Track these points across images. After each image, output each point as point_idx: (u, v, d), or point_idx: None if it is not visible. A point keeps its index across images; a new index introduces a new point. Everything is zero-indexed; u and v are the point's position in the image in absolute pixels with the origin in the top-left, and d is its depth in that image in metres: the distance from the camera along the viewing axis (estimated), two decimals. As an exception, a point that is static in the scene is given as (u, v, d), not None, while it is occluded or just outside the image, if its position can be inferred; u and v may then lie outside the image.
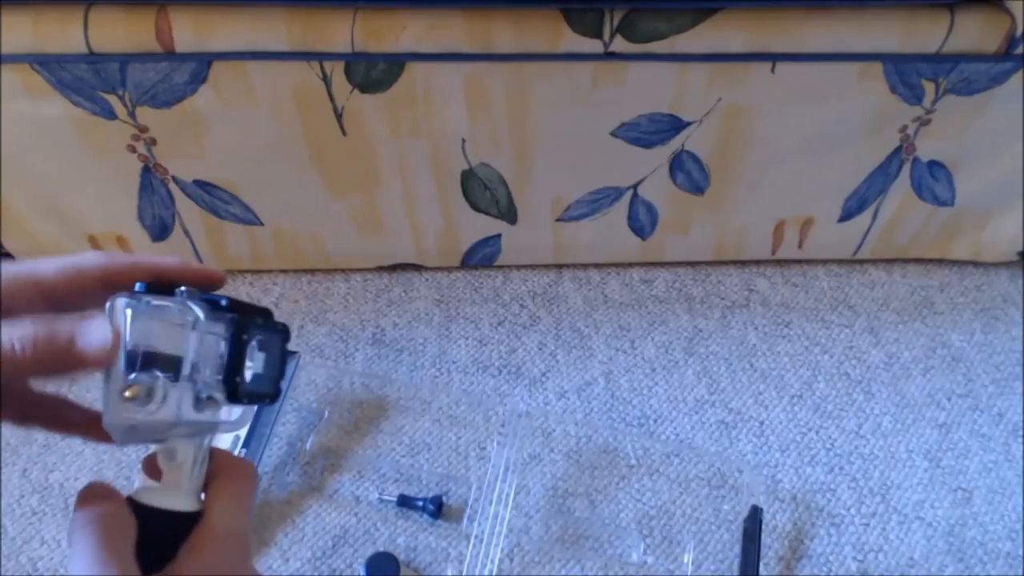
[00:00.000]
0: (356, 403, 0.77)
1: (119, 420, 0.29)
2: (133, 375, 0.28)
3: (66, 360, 0.28)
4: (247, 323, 0.31)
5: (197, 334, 0.30)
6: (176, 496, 0.30)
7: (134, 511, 0.29)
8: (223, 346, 0.30)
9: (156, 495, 0.30)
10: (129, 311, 0.29)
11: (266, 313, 0.33)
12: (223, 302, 0.30)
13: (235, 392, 0.31)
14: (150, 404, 0.29)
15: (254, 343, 0.31)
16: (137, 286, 0.30)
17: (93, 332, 0.28)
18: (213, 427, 0.31)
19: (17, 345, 0.28)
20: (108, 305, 0.29)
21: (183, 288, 0.30)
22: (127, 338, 0.28)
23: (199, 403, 0.30)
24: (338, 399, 0.78)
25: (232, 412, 0.31)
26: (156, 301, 0.29)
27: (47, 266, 0.30)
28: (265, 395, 0.32)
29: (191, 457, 0.30)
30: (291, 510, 0.70)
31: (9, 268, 0.30)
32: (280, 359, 0.33)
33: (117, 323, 0.28)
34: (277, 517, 0.69)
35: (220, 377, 0.30)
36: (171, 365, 0.29)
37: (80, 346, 0.28)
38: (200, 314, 0.30)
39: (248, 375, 0.31)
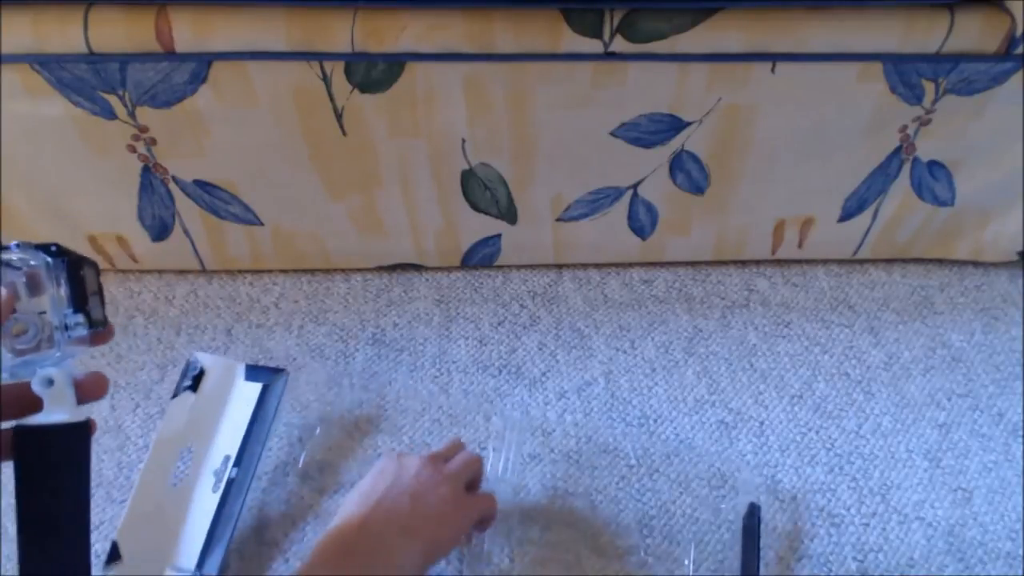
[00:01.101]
0: (355, 404, 0.77)
1: (11, 357, 0.35)
2: (14, 315, 0.35)
3: None
4: (79, 262, 0.38)
5: (48, 276, 0.36)
6: (63, 413, 0.37)
7: (24, 438, 0.36)
8: (64, 283, 0.37)
9: (45, 417, 0.36)
10: None
11: (80, 255, 0.40)
12: (52, 248, 0.37)
13: (90, 318, 0.38)
14: (31, 338, 0.36)
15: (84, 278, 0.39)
16: None
17: None
18: (75, 351, 0.39)
19: None
20: None
21: (16, 242, 0.36)
22: None
23: (66, 332, 0.37)
24: (335, 406, 0.78)
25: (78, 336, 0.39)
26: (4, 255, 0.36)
27: None
28: (103, 320, 0.41)
29: (65, 379, 0.37)
30: (292, 514, 0.70)
31: None
32: (99, 289, 0.41)
33: None
34: (278, 518, 0.69)
35: (73, 309, 0.37)
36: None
37: None
38: (47, 259, 0.36)
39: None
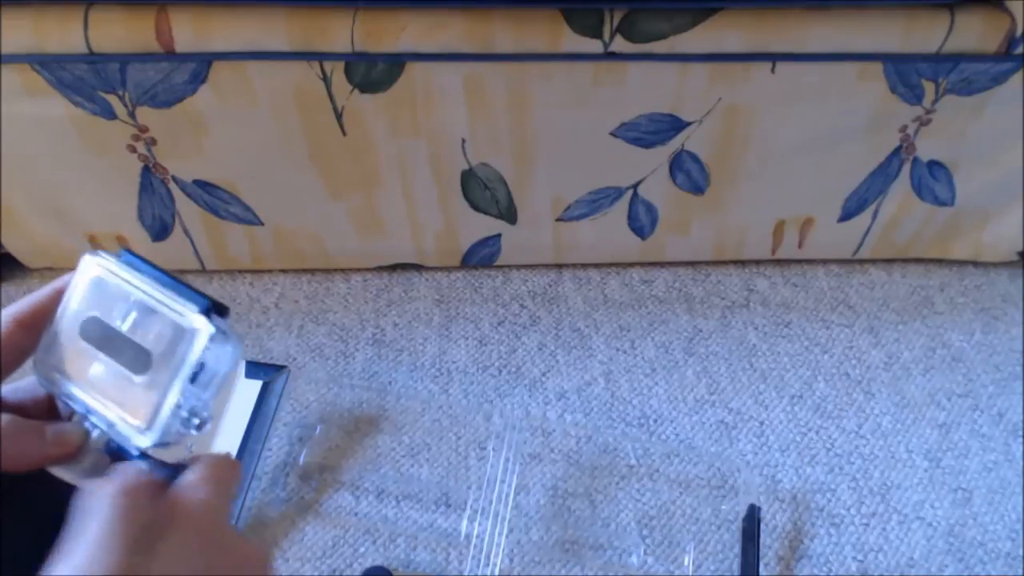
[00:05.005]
0: (355, 404, 0.77)
1: (171, 438, 0.30)
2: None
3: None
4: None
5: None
6: (71, 473, 0.31)
7: (39, 483, 0.31)
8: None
9: (67, 472, 0.31)
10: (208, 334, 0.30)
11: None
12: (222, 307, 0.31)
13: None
14: (199, 425, 0.31)
15: None
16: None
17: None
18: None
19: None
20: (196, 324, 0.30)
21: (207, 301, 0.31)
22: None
23: (191, 423, 0.31)
24: (335, 406, 0.78)
25: None
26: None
27: None
28: None
29: (102, 446, 0.32)
30: (291, 514, 0.70)
31: None
32: None
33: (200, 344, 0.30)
34: (278, 518, 0.69)
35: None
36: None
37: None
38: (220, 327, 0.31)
39: None
